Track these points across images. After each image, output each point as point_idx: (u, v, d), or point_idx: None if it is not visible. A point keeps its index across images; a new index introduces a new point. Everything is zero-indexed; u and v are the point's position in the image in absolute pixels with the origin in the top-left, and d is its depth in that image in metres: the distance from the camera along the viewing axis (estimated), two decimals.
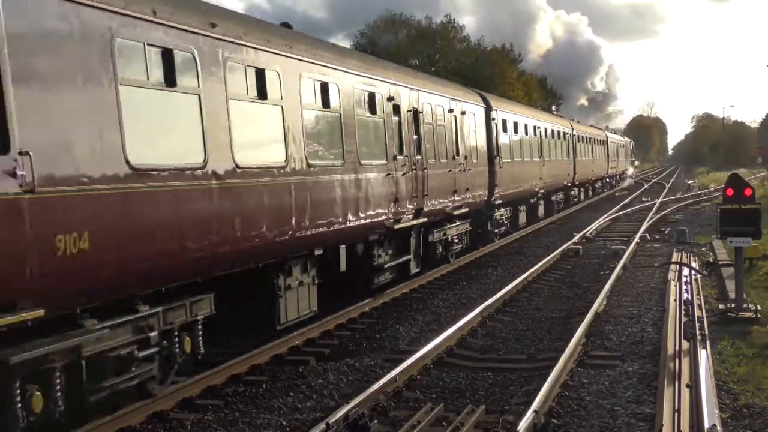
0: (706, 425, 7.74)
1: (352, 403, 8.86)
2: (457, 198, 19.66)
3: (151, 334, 8.65)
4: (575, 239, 25.76)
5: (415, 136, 16.77)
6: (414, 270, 17.30)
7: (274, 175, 10.85)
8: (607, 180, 58.49)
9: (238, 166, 9.86)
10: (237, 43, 10.18)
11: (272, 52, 11.07)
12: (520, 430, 7.97)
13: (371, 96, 14.58)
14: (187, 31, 9.10)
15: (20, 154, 6.74)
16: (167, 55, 8.76)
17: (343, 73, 13.43)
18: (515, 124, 27.02)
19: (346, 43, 57.76)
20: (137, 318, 8.45)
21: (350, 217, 13.25)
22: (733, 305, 14.45)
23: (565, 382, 10.26)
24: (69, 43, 7.42)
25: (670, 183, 73.65)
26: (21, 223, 6.77)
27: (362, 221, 13.79)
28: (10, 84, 6.70)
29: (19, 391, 6.93)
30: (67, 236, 7.24)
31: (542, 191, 32.14)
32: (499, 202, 24.28)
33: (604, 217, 34.60)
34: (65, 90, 7.41)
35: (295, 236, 11.33)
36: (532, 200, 31.01)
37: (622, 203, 44.36)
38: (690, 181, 72.84)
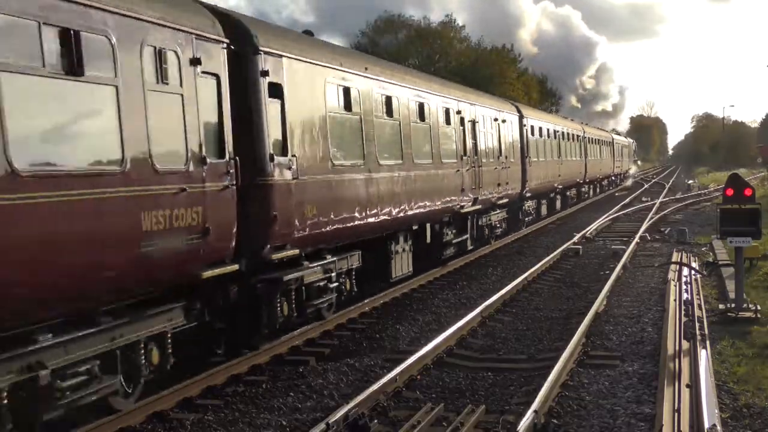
0: (706, 425, 7.74)
1: (352, 403, 8.87)
2: (500, 190, 24.45)
3: (332, 275, 13.20)
4: (575, 239, 25.77)
5: (472, 141, 21.54)
6: (470, 246, 22.01)
7: (394, 170, 15.64)
8: (613, 178, 62.36)
9: (379, 164, 14.89)
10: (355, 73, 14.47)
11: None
12: (520, 430, 7.97)
13: (447, 111, 19.44)
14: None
15: (293, 156, 11.62)
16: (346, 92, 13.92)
17: (431, 95, 18.43)
18: (540, 129, 31.70)
19: (344, 42, 57.67)
20: (327, 262, 13.04)
21: (435, 202, 17.86)
22: (733, 305, 14.45)
23: (565, 382, 10.26)
24: None
25: (670, 183, 73.66)
26: (292, 196, 11.56)
27: (440, 206, 18.34)
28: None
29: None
30: (309, 206, 12.07)
31: (560, 187, 37.02)
32: (529, 194, 29.24)
33: (604, 217, 34.60)
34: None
35: (403, 215, 15.96)
36: (551, 195, 35.82)
37: (622, 203, 44.37)
38: (690, 181, 72.85)
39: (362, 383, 10.34)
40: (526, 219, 30.24)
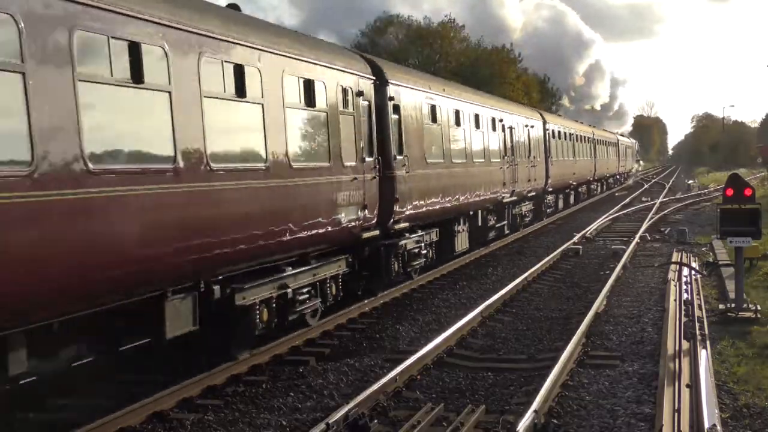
0: (706, 425, 7.74)
1: (352, 403, 8.87)
2: (529, 185, 29.14)
3: (422, 245, 17.76)
4: (575, 239, 25.78)
5: (510, 144, 26.15)
6: (506, 231, 26.54)
7: (461, 167, 20.56)
8: (618, 176, 67.01)
9: (452, 162, 19.72)
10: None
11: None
12: (520, 430, 7.97)
13: (493, 120, 24.32)
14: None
15: (405, 156, 16.06)
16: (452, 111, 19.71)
17: (483, 108, 23.54)
18: (559, 132, 36.36)
19: (340, 43, 57.65)
20: (420, 235, 17.56)
21: (486, 192, 22.79)
22: (733, 305, 14.45)
23: (565, 382, 10.26)
24: None
25: (670, 183, 73.67)
26: (405, 185, 16.20)
27: (489, 196, 23.18)
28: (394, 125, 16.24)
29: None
30: (414, 192, 16.72)
31: (574, 183, 41.68)
32: (550, 189, 34.16)
33: (604, 217, 34.61)
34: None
35: (465, 203, 20.67)
36: (566, 190, 40.34)
37: (622, 203, 44.38)
38: (690, 181, 72.92)
39: (362, 383, 10.34)
40: (548, 210, 35.10)
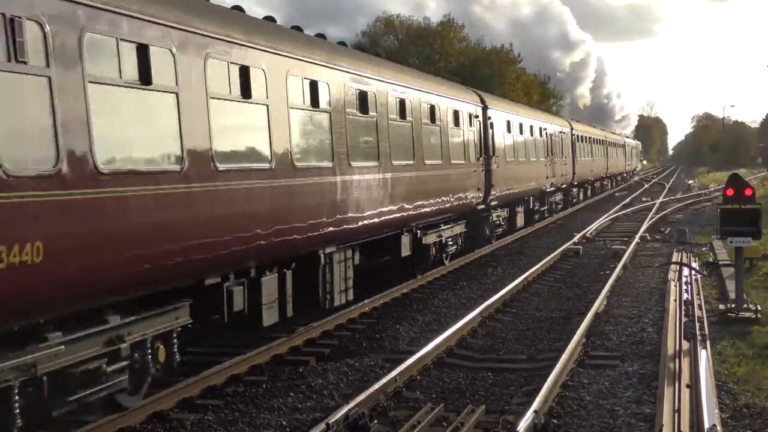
0: (706, 425, 7.74)
1: (352, 403, 8.86)
2: (562, 178, 36.59)
3: (501, 219, 25.51)
4: (575, 239, 25.77)
5: (550, 146, 33.46)
6: (546, 215, 34.24)
7: (526, 164, 28.19)
8: (625, 174, 74.36)
9: (519, 160, 27.03)
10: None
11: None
12: (520, 431, 7.97)
13: (540, 129, 31.78)
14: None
15: (496, 156, 23.37)
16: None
17: (533, 120, 30.99)
18: (582, 137, 44.52)
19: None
20: (500, 212, 25.23)
21: (537, 182, 30.46)
22: (733, 305, 14.45)
23: (565, 382, 10.26)
24: None
25: (670, 183, 73.67)
26: (497, 176, 23.48)
27: (537, 186, 30.71)
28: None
29: None
30: (500, 181, 23.94)
31: (591, 179, 50.04)
32: (575, 183, 42.12)
33: (604, 217, 34.62)
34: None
35: (526, 190, 28.39)
36: (585, 185, 48.11)
37: (623, 203, 44.39)
38: (690, 181, 72.96)
39: (362, 383, 10.33)
40: (573, 200, 42.57)
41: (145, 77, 8.29)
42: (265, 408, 9.51)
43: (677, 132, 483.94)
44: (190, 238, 8.92)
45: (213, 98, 9.44)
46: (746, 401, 9.54)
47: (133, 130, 8.36)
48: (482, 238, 23.47)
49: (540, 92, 77.84)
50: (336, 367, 11.19)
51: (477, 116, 22.05)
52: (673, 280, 16.75)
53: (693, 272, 17.64)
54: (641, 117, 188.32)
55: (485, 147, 22.65)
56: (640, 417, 8.90)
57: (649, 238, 27.22)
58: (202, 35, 9.34)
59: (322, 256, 12.64)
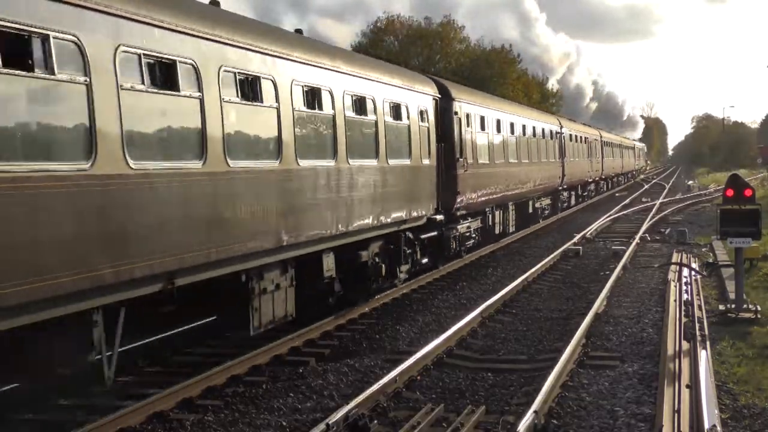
0: (706, 426, 7.74)
1: (352, 404, 8.87)
2: (596, 174, 44.71)
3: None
4: (575, 240, 25.78)
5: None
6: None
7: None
8: (633, 172, 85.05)
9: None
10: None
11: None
12: (520, 431, 7.97)
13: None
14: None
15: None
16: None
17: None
18: (607, 142, 54.78)
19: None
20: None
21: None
22: (733, 306, 14.45)
23: (565, 382, 10.26)
24: None
25: (670, 184, 73.67)
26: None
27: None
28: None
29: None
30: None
31: (612, 174, 60.46)
32: (603, 177, 51.79)
33: (604, 217, 34.61)
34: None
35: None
36: (605, 179, 56.80)
37: (622, 203, 44.38)
38: (690, 182, 73.00)
39: (362, 384, 10.33)
40: (600, 189, 51.87)
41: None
42: (265, 408, 9.51)
43: (677, 132, 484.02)
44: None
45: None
46: (746, 401, 9.54)
47: None
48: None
49: (540, 92, 77.85)
50: (336, 367, 11.18)
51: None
52: (673, 281, 16.74)
53: (693, 273, 17.64)
54: (641, 118, 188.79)
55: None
56: (640, 417, 8.90)
57: (649, 238, 27.22)
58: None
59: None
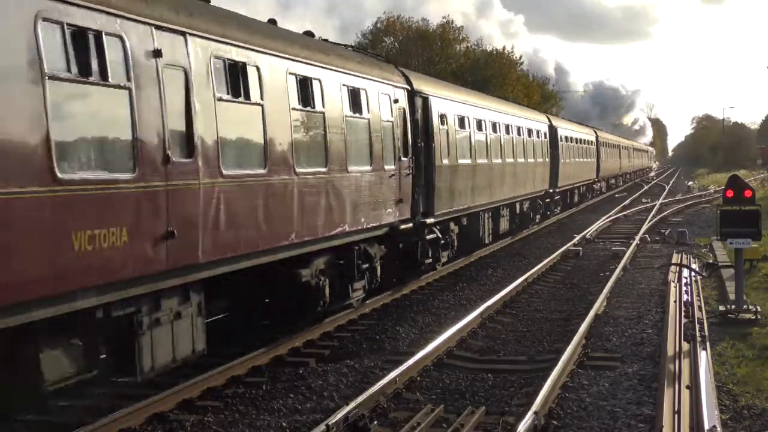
0: (706, 426, 7.74)
1: (352, 405, 8.86)
2: (618, 170, 55.51)
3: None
4: (575, 240, 25.78)
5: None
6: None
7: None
8: (644, 170, 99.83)
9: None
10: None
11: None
12: None
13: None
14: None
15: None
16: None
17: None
18: (627, 147, 62.63)
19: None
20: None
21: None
22: (733, 306, 14.45)
23: (565, 383, 10.26)
24: None
25: (669, 184, 73.69)
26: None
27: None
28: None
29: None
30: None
31: (629, 172, 76.12)
32: (629, 171, 69.70)
33: (604, 218, 34.61)
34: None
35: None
36: (623, 177, 68.83)
37: (622, 204, 44.38)
38: (690, 183, 73.04)
39: (362, 384, 10.32)
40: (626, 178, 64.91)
41: None
42: (265, 409, 9.51)
43: (677, 133, 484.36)
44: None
45: None
46: (746, 402, 9.54)
47: None
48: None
49: (540, 93, 77.87)
50: (336, 368, 11.18)
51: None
52: (673, 282, 16.74)
53: (693, 273, 17.65)
54: (647, 120, 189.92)
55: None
56: (640, 418, 8.90)
57: (649, 239, 27.21)
58: None
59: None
